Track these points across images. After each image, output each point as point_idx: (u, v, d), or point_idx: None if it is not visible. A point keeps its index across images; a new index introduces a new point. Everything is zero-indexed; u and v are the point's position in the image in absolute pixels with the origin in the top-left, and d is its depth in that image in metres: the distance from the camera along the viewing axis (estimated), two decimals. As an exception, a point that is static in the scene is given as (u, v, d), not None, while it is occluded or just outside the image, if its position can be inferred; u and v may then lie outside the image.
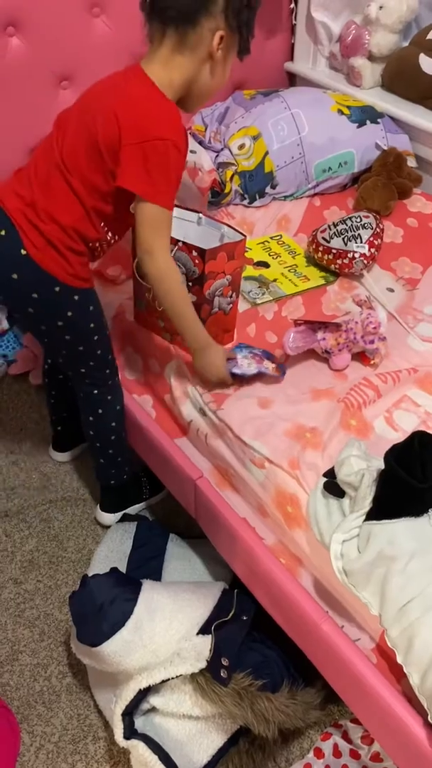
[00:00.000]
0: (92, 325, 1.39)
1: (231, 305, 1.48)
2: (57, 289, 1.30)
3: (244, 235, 1.43)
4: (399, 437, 1.23)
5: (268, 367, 1.38)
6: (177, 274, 1.31)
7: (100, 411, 1.53)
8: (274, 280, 1.68)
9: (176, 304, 1.31)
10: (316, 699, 1.30)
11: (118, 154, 1.20)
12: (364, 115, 2.01)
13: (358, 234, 1.67)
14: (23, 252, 1.26)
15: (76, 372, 1.49)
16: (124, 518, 1.68)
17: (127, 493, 1.72)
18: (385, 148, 1.99)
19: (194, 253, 1.37)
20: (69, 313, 1.34)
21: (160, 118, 1.21)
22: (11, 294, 1.33)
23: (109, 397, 1.52)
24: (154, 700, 1.24)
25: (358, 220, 1.70)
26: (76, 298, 1.33)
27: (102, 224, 1.31)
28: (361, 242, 1.66)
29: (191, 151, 1.92)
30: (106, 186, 1.25)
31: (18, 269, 1.28)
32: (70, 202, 1.26)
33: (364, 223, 1.69)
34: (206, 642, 1.22)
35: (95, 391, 1.50)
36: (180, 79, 1.24)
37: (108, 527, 1.67)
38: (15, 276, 1.28)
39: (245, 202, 1.95)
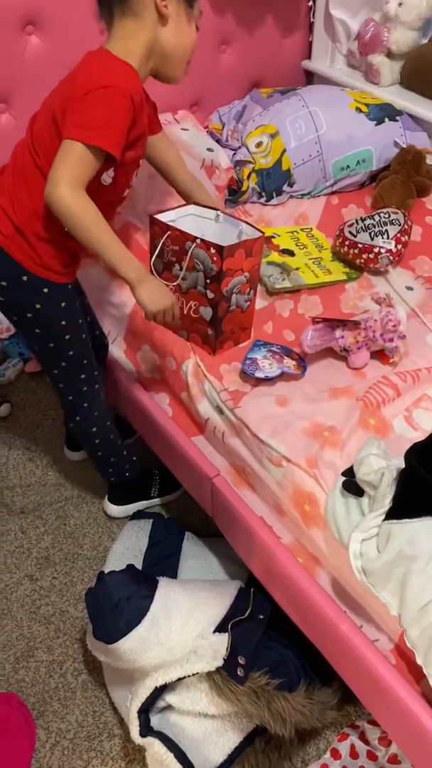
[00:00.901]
0: (63, 322, 1.37)
1: (249, 302, 1.48)
2: (24, 278, 1.30)
3: (262, 233, 1.42)
4: (419, 436, 1.22)
5: (290, 365, 1.37)
6: (88, 209, 1.17)
7: (77, 418, 1.54)
8: (297, 269, 1.67)
9: (95, 239, 1.19)
10: (333, 699, 1.29)
11: (65, 114, 1.19)
12: (383, 112, 2.00)
13: (385, 230, 1.66)
14: None
15: (50, 374, 1.48)
16: (140, 515, 1.68)
17: (133, 489, 1.73)
18: (404, 145, 1.97)
19: (212, 250, 1.36)
20: (37, 305, 1.33)
21: (107, 72, 1.19)
22: None
23: (85, 404, 1.52)
24: (170, 698, 1.23)
25: (386, 216, 1.70)
26: (45, 290, 1.32)
27: None
28: (388, 238, 1.65)
29: (208, 149, 1.92)
30: None
31: None
32: (39, 184, 1.22)
33: (392, 219, 1.68)
34: (223, 640, 1.22)
35: (70, 398, 1.51)
36: (138, 46, 1.23)
37: (116, 519, 1.68)
38: None
39: (262, 200, 1.94)
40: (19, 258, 1.28)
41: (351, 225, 1.72)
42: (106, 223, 1.20)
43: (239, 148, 1.98)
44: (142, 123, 1.27)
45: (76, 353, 1.43)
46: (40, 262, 1.30)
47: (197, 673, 1.19)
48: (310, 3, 2.16)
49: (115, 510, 1.73)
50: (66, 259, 1.34)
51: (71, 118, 1.17)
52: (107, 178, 1.26)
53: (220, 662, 1.18)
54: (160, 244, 1.46)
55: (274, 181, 1.92)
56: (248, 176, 1.91)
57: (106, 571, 1.34)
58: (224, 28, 2.02)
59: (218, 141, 2.02)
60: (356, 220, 1.72)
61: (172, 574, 1.49)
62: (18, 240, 1.28)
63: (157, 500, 1.75)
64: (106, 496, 1.74)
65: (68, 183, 1.15)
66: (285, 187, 1.94)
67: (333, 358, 1.44)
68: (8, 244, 1.28)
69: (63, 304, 1.36)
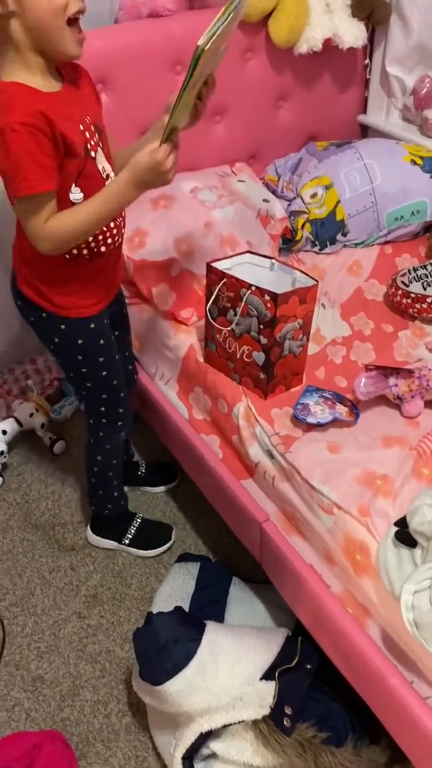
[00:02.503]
0: (80, 357, 1.42)
1: (301, 348, 1.50)
2: (44, 315, 1.37)
3: (316, 281, 1.45)
4: (473, 487, 1.21)
5: (342, 411, 1.37)
6: (62, 224, 1.17)
7: (91, 440, 1.62)
8: None
9: (88, 226, 1.19)
10: (382, 758, 1.25)
11: None
12: (438, 165, 2.02)
13: (438, 280, 1.68)
14: (17, 285, 1.38)
15: (77, 393, 1.57)
16: (187, 558, 1.68)
17: (108, 526, 1.78)
18: (458, 197, 1.99)
19: (266, 297, 1.40)
20: (56, 339, 1.41)
21: None
22: (23, 319, 1.43)
23: (100, 434, 1.58)
24: (214, 746, 1.22)
25: (439, 266, 1.71)
26: (62, 327, 1.38)
27: None
28: (440, 288, 1.66)
29: (264, 200, 1.97)
30: None
31: (17, 298, 1.40)
32: (21, 234, 1.27)
33: (445, 270, 1.70)
34: (270, 688, 1.20)
35: (91, 421, 1.58)
36: (6, 50, 1.14)
37: (163, 561, 1.68)
38: (19, 303, 1.41)
39: (316, 248, 1.98)
40: (35, 299, 1.36)
41: (404, 275, 1.73)
42: (79, 206, 1.18)
43: (294, 198, 2.04)
44: (67, 127, 1.15)
45: (94, 386, 1.48)
46: (51, 301, 1.36)
47: (243, 720, 1.18)
48: (367, 61, 2.23)
49: (90, 536, 1.80)
50: (76, 295, 1.35)
51: None
52: (76, 195, 1.21)
53: (266, 711, 1.17)
54: (216, 290, 1.50)
55: (328, 231, 1.96)
56: (302, 226, 1.96)
57: (154, 612, 1.35)
58: (282, 84, 2.10)
59: (274, 192, 2.08)
60: (409, 270, 1.74)
61: (219, 618, 1.49)
62: (29, 285, 1.36)
63: (126, 548, 1.77)
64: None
65: (37, 235, 1.18)
66: (339, 237, 1.97)
67: (386, 406, 1.44)
68: (24, 286, 1.37)
69: (80, 341, 1.40)
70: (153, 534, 1.78)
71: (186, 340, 1.70)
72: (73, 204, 1.21)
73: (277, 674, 1.23)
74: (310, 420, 1.35)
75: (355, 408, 1.42)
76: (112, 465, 1.66)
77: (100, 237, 1.29)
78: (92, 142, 1.23)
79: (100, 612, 1.65)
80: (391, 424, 1.40)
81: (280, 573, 1.39)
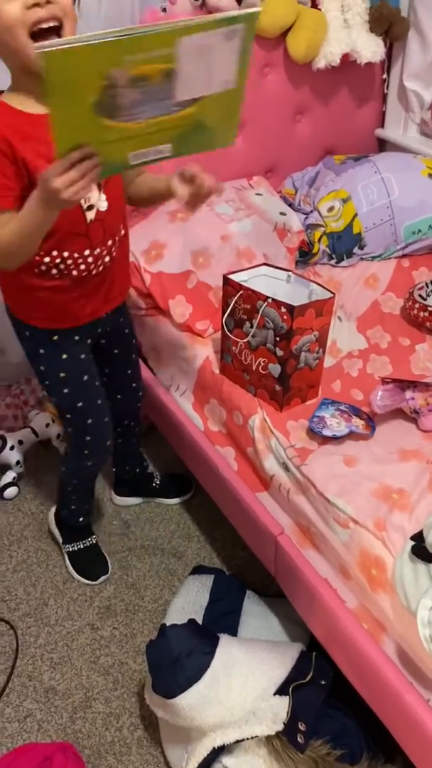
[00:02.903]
0: (42, 368, 1.45)
1: (317, 361, 1.49)
2: (16, 319, 1.40)
3: (333, 293, 1.45)
4: None
5: (358, 425, 1.37)
6: None
7: (65, 449, 1.69)
8: None
9: (9, 240, 1.13)
10: (397, 777, 1.23)
11: None
12: (455, 178, 2.02)
13: (455, 293, 1.67)
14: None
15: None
16: (201, 570, 1.68)
17: (62, 528, 1.78)
18: None
19: (283, 309, 1.40)
20: (24, 345, 1.45)
21: None
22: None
23: (72, 448, 1.59)
24: (226, 761, 1.21)
25: (456, 279, 1.71)
26: (27, 333, 1.41)
27: None
28: (457, 302, 1.65)
29: (281, 213, 1.98)
30: None
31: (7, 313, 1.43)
32: None
33: (462, 283, 1.69)
34: (283, 703, 1.19)
35: (67, 429, 1.57)
36: None
37: (177, 573, 1.67)
38: (6, 306, 1.42)
39: (333, 261, 1.98)
40: (9, 303, 1.40)
41: (421, 288, 1.73)
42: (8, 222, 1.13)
43: (311, 212, 2.04)
44: (33, 151, 1.13)
45: (58, 402, 1.50)
46: (20, 308, 1.38)
47: (256, 736, 1.16)
48: (384, 75, 2.24)
49: (49, 517, 1.82)
50: (45, 306, 1.34)
51: None
52: None
53: (280, 726, 1.16)
54: (233, 302, 1.51)
55: (345, 244, 1.96)
56: (319, 239, 1.96)
57: (168, 624, 1.34)
58: (300, 99, 2.11)
59: (291, 205, 2.09)
60: (426, 284, 1.73)
61: (233, 632, 1.48)
62: (5, 287, 1.38)
63: (66, 559, 1.77)
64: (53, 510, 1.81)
65: None
66: (356, 250, 1.97)
67: (403, 420, 1.43)
68: (4, 291, 1.40)
69: (41, 351, 1.42)
70: (89, 562, 1.75)
71: (202, 351, 1.70)
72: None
73: (291, 689, 1.21)
74: (326, 433, 1.35)
75: (372, 421, 1.41)
76: (75, 486, 1.67)
77: (70, 261, 1.28)
78: None
79: (113, 623, 1.64)
80: (408, 438, 1.39)
81: (294, 587, 1.38)
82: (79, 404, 1.48)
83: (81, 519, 1.74)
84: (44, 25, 1.08)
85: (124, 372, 1.64)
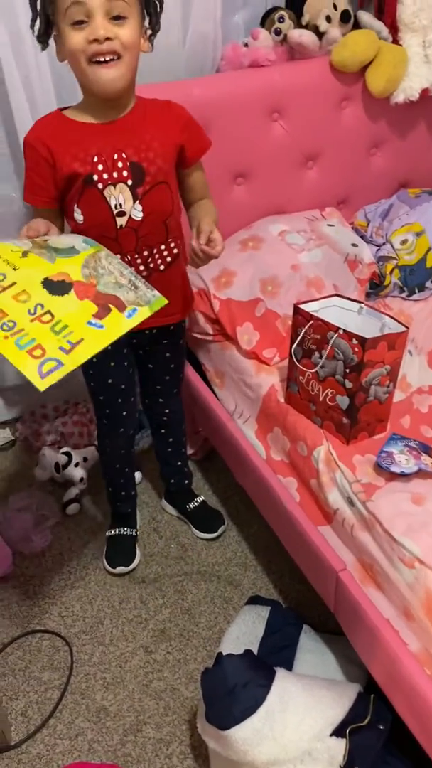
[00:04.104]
0: (91, 371, 1.57)
1: (387, 395, 1.47)
2: None
3: (407, 327, 1.43)
4: None
5: (428, 462, 1.34)
6: None
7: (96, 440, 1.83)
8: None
9: None
10: None
11: None
12: None
13: None
14: None
15: None
16: (257, 601, 1.65)
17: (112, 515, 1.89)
18: None
19: (354, 341, 1.39)
20: None
21: None
22: None
23: (101, 437, 1.76)
24: (279, 801, 1.18)
25: None
26: None
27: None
28: None
29: (353, 245, 1.98)
30: None
31: None
32: None
33: None
34: (340, 746, 1.16)
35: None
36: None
37: (232, 601, 1.66)
38: None
39: (404, 294, 1.96)
40: None
41: None
42: None
43: (383, 244, 2.03)
44: (68, 155, 1.28)
45: (85, 379, 1.60)
46: None
47: (310, 777, 1.14)
48: (463, 110, 2.21)
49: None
50: None
51: None
52: (78, 216, 1.32)
53: (335, 770, 1.12)
54: (302, 332, 1.51)
55: (418, 277, 1.94)
56: (391, 271, 1.94)
57: (223, 654, 1.33)
58: (377, 132, 2.11)
59: (362, 237, 2.08)
60: None
61: (288, 666, 1.45)
62: None
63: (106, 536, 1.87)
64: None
65: None
66: (428, 284, 1.95)
67: (474, 460, 1.39)
68: None
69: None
70: (118, 550, 1.83)
71: (267, 379, 1.70)
72: (76, 222, 1.34)
73: (348, 732, 1.18)
74: (394, 469, 1.32)
75: (441, 460, 1.38)
76: (109, 467, 1.79)
77: None
78: (105, 175, 1.29)
79: (167, 648, 1.64)
80: None
81: (354, 625, 1.35)
82: (101, 398, 1.63)
83: (118, 504, 1.85)
84: (101, 58, 1.21)
85: (152, 388, 1.72)
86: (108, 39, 1.18)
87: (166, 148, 1.34)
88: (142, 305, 1.09)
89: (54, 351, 0.96)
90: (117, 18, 1.19)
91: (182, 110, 1.39)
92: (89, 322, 1.02)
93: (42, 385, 0.94)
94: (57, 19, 1.20)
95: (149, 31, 1.30)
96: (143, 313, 1.08)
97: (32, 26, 1.24)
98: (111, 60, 1.21)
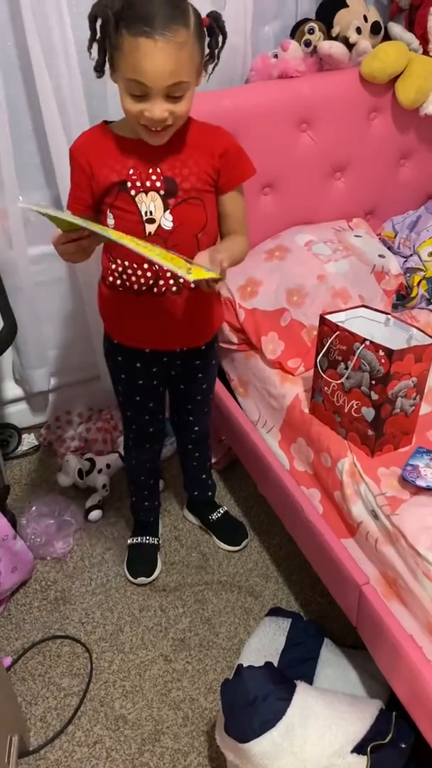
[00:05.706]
0: (110, 363, 1.60)
1: (413, 408, 1.46)
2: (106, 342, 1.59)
3: (435, 340, 1.42)
4: None
5: (455, 476, 1.32)
6: None
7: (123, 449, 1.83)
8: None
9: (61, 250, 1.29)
10: None
11: None
12: None
13: None
14: None
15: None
16: (278, 613, 1.64)
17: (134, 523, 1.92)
18: None
19: (381, 353, 1.38)
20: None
21: None
22: None
23: (126, 448, 1.78)
24: None
25: None
26: (102, 331, 1.57)
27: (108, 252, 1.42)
28: None
29: (380, 256, 1.97)
30: None
31: None
32: None
33: None
34: (361, 763, 1.14)
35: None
36: None
37: (253, 613, 1.65)
38: None
39: (431, 306, 1.94)
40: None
41: None
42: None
43: (411, 255, 2.02)
44: (106, 166, 1.31)
45: (115, 391, 1.64)
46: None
47: (330, 794, 1.12)
48: None
49: None
50: (114, 317, 1.51)
51: None
52: (110, 221, 1.35)
53: (356, 788, 1.11)
54: (328, 343, 1.50)
55: (445, 289, 1.92)
56: (418, 283, 1.93)
57: (244, 666, 1.32)
58: (405, 143, 2.10)
59: (390, 248, 2.07)
60: None
61: (308, 680, 1.43)
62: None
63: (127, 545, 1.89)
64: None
65: None
66: (456, 296, 1.93)
67: None
68: None
69: (107, 348, 1.58)
70: (140, 559, 1.84)
71: (292, 389, 1.70)
72: (108, 226, 1.35)
73: (369, 749, 1.16)
74: (420, 483, 1.31)
75: (468, 474, 1.36)
76: (134, 479, 1.82)
77: (130, 271, 1.38)
78: (138, 183, 1.31)
79: (186, 657, 1.63)
80: None
81: (377, 640, 1.33)
82: (128, 413, 1.67)
83: (141, 514, 1.87)
84: (152, 128, 1.24)
85: (183, 406, 1.71)
86: (164, 124, 1.22)
87: (202, 168, 1.34)
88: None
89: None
90: (175, 97, 1.20)
91: (227, 137, 1.38)
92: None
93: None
94: (117, 74, 1.21)
95: (208, 65, 1.28)
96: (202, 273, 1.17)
97: (89, 49, 1.22)
98: (163, 129, 1.25)
